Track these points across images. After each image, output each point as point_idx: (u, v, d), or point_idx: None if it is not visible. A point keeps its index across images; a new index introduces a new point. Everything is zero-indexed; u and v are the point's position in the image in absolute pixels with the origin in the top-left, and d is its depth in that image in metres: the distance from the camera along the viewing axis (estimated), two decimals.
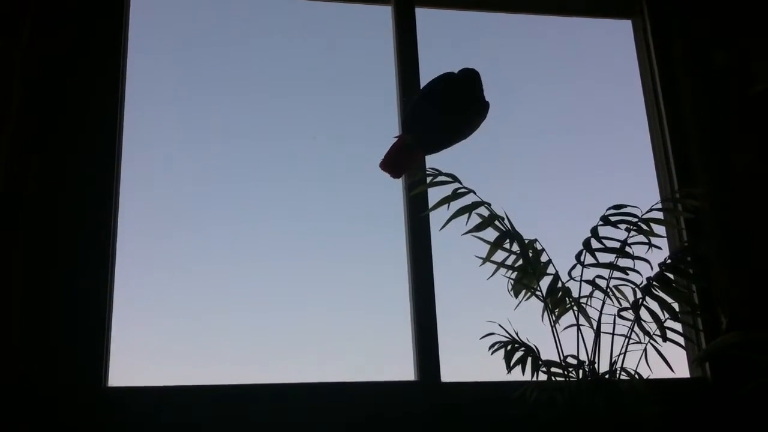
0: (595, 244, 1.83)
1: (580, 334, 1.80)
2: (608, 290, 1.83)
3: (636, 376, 1.79)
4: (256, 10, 2.44)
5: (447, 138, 2.05)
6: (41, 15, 2.02)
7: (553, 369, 1.79)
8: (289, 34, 2.43)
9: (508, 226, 1.84)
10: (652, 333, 1.81)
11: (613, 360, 1.79)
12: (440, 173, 1.89)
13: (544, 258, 1.86)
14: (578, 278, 1.83)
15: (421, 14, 2.42)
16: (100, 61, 2.11)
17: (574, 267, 1.83)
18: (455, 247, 2.11)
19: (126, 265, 2.03)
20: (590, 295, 1.83)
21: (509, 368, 1.76)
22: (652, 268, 1.84)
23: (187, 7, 2.40)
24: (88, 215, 1.98)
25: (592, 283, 1.83)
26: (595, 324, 1.81)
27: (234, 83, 2.34)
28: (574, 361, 1.79)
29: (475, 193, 1.86)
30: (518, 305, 1.86)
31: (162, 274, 2.11)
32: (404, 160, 2.07)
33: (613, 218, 1.86)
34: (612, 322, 1.81)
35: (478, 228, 1.84)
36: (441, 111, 2.05)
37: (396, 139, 2.05)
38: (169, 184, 2.20)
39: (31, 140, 1.95)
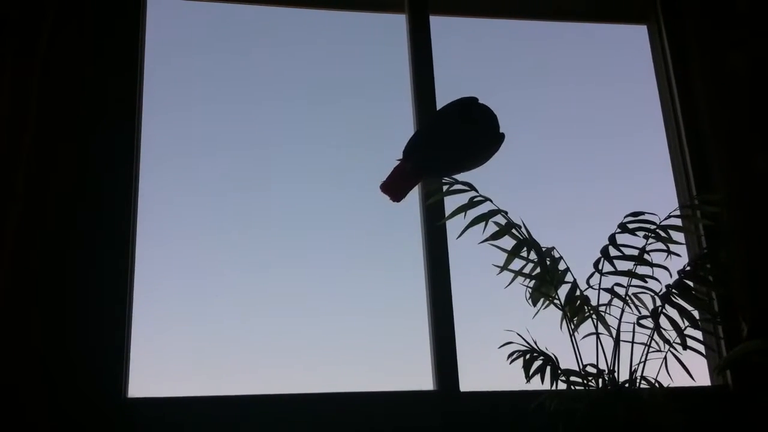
0: (613, 251, 1.82)
1: (599, 343, 1.79)
2: (627, 298, 1.82)
3: (656, 384, 1.77)
4: (271, 17, 2.45)
5: (447, 171, 2.01)
6: (58, 17, 2.03)
7: (572, 378, 1.78)
8: (305, 43, 2.44)
9: (525, 234, 1.83)
10: (672, 341, 1.79)
11: (633, 368, 1.78)
12: (456, 182, 1.89)
13: (561, 266, 1.85)
14: (597, 286, 1.82)
15: (436, 22, 2.42)
16: (118, 62, 2.13)
17: (592, 275, 1.82)
18: (473, 256, 2.11)
19: (145, 273, 2.04)
20: (609, 303, 1.82)
21: (528, 377, 1.75)
22: (671, 276, 1.83)
23: (202, 13, 2.41)
24: (107, 223, 1.99)
25: (610, 291, 1.81)
26: (614, 332, 1.80)
27: (249, 89, 2.35)
28: (593, 370, 1.77)
29: (491, 201, 1.85)
30: (536, 314, 1.85)
31: (180, 282, 2.12)
32: (406, 185, 2.06)
33: (630, 225, 1.85)
34: (631, 330, 1.80)
35: (495, 236, 1.84)
36: (443, 147, 2.02)
37: (398, 162, 2.05)
38: (187, 188, 2.21)
39: (50, 144, 1.96)
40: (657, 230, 1.83)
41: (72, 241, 1.94)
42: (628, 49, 2.61)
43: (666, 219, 1.85)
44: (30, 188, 1.88)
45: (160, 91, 2.23)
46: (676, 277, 1.83)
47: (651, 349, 1.79)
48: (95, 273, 1.95)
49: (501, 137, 2.05)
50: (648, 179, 2.43)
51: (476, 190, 1.86)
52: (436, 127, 2.08)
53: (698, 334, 1.84)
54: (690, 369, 1.77)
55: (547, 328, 1.84)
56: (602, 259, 1.82)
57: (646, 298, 1.83)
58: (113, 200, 2.02)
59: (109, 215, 2.00)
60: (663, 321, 1.80)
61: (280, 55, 2.41)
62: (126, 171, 2.06)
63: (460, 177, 1.91)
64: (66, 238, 1.93)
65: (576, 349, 1.79)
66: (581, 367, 1.78)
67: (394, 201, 2.05)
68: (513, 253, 1.82)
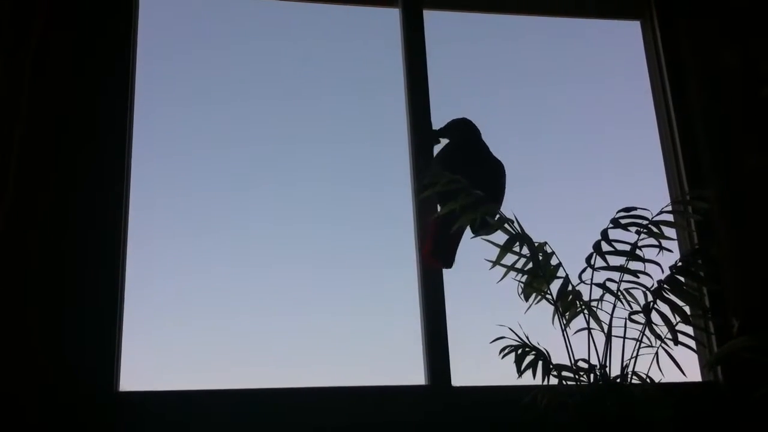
0: (605, 246, 1.82)
1: (590, 338, 1.79)
2: (619, 293, 1.82)
3: (647, 380, 1.78)
4: (263, 12, 2.44)
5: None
6: (50, 16, 2.02)
7: (564, 373, 1.78)
8: (297, 38, 2.43)
9: (518, 228, 1.83)
10: (663, 336, 1.80)
11: (625, 364, 1.78)
12: (449, 177, 1.89)
13: (554, 261, 1.85)
14: (588, 281, 1.82)
15: (429, 16, 2.41)
16: (110, 61, 2.12)
17: (584, 270, 1.82)
18: (465, 250, 2.10)
19: (137, 269, 2.03)
20: (601, 299, 1.82)
21: (520, 372, 1.75)
22: (662, 271, 1.83)
23: (194, 9, 2.40)
24: (98, 218, 1.98)
25: (602, 286, 1.81)
26: (605, 327, 1.80)
27: (241, 86, 2.34)
28: (585, 365, 1.78)
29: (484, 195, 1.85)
30: (528, 309, 1.85)
31: (172, 277, 2.11)
32: (452, 242, 2.04)
33: (623, 221, 1.85)
34: (623, 325, 1.80)
35: (488, 231, 1.84)
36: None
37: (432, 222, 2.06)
38: (179, 186, 2.21)
39: (42, 143, 1.95)
40: (649, 226, 1.83)
41: (64, 237, 1.93)
42: (621, 45, 2.61)
43: (658, 215, 1.85)
44: (21, 188, 1.87)
45: (152, 90, 2.22)
46: (667, 272, 1.84)
47: (642, 345, 1.80)
48: (87, 268, 1.94)
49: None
50: (640, 175, 2.43)
51: (468, 186, 1.86)
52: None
53: (689, 330, 1.84)
54: (681, 364, 1.78)
55: (539, 323, 1.84)
56: (594, 254, 1.82)
57: (638, 294, 1.83)
58: (105, 197, 2.01)
59: (101, 212, 1.99)
60: (654, 316, 1.80)
61: (273, 50, 2.41)
62: (118, 170, 2.05)
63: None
64: (58, 235, 1.92)
65: (568, 344, 1.79)
66: (573, 362, 1.78)
67: (446, 267, 2.05)
68: (505, 248, 1.82)
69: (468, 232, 2.03)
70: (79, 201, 1.98)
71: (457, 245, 2.07)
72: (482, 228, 1.84)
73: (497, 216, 1.82)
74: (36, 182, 1.91)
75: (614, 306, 1.80)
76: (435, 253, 2.06)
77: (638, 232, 1.84)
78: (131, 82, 2.16)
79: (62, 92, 2.02)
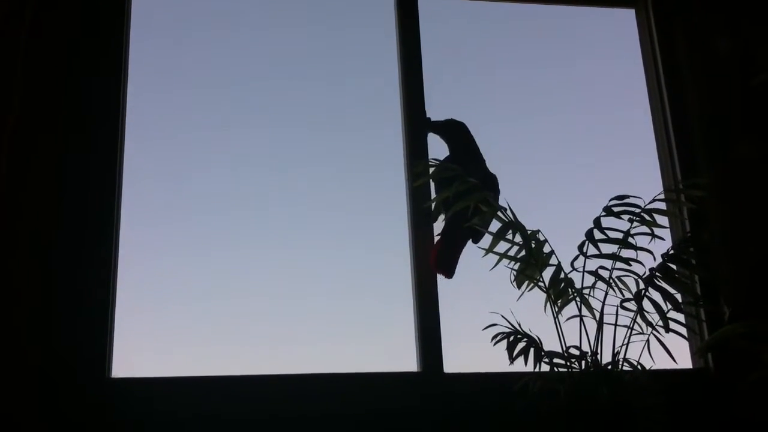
0: (597, 234, 1.83)
1: (582, 325, 1.80)
2: (611, 281, 1.83)
3: (638, 366, 1.79)
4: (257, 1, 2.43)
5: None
6: (41, 9, 2.01)
7: (555, 360, 1.79)
8: (291, 25, 2.42)
9: (511, 216, 1.84)
10: (654, 324, 1.81)
11: (616, 351, 1.80)
12: (443, 164, 1.89)
13: (546, 249, 1.86)
14: (581, 269, 1.83)
15: (424, 3, 2.40)
16: (102, 54, 2.11)
17: (576, 258, 1.83)
18: None
19: (129, 256, 2.03)
20: (593, 286, 1.83)
21: (512, 359, 1.77)
22: (654, 259, 1.84)
23: (186, 1, 2.39)
24: (90, 206, 1.98)
25: (594, 273, 1.82)
26: (597, 315, 1.81)
27: (234, 74, 2.33)
28: (576, 352, 1.79)
29: (478, 183, 1.85)
30: (521, 296, 1.86)
31: (164, 264, 2.11)
32: (453, 254, 2.09)
33: (615, 209, 1.85)
34: (614, 312, 1.82)
35: (481, 219, 1.84)
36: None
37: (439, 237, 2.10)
38: (171, 174, 2.20)
39: (34, 128, 1.94)
40: (641, 214, 1.84)
41: (56, 222, 1.92)
42: (615, 33, 2.61)
43: (650, 203, 1.85)
44: (12, 180, 1.86)
45: (145, 82, 2.20)
46: (659, 260, 1.84)
47: (634, 332, 1.81)
48: (80, 256, 1.93)
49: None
50: (633, 163, 2.43)
51: (462, 173, 1.86)
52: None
53: (680, 317, 1.85)
54: (672, 351, 1.79)
55: (531, 311, 1.85)
56: (587, 242, 1.82)
57: (630, 281, 1.85)
58: (97, 185, 2.01)
59: (93, 198, 1.99)
60: (646, 304, 1.81)
61: (266, 38, 2.39)
62: (110, 160, 2.04)
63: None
64: (50, 220, 1.92)
65: (559, 332, 1.80)
66: (564, 349, 1.79)
67: (448, 278, 2.09)
68: (498, 236, 1.83)
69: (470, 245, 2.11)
70: (72, 186, 1.97)
71: (458, 258, 2.11)
72: (475, 216, 1.85)
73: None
74: (29, 169, 1.90)
75: (606, 293, 1.82)
76: (438, 265, 2.10)
77: (631, 221, 1.85)
78: (124, 75, 2.14)
79: (54, 86, 2.00)
